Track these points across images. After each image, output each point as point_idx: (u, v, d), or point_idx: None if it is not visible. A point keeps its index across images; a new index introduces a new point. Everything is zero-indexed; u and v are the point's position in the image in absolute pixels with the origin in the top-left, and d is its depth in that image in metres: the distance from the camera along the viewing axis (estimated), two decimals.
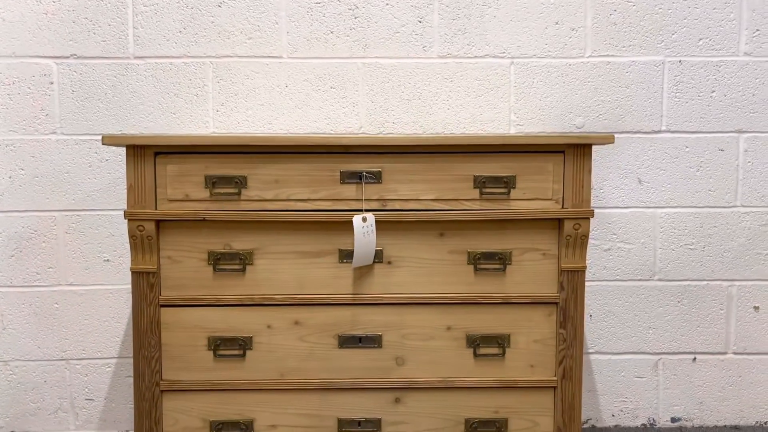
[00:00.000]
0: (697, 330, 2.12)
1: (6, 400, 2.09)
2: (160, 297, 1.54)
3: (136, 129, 2.02)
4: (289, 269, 1.54)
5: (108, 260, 2.06)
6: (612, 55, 2.04)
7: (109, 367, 2.09)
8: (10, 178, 2.04)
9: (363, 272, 1.55)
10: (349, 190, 1.51)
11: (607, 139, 1.48)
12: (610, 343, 2.12)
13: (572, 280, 1.55)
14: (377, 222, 1.51)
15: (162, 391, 1.55)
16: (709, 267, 2.10)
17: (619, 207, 2.08)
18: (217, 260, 1.53)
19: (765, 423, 2.14)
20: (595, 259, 2.09)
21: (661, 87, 2.06)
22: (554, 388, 1.57)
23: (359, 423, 1.57)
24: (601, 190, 2.08)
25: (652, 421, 2.14)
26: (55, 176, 2.04)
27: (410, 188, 1.52)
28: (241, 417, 1.56)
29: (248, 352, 1.55)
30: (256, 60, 2.03)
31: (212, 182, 1.50)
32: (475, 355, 1.56)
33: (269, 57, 2.03)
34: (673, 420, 2.14)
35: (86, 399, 2.10)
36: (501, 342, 1.56)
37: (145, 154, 1.49)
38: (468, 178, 1.52)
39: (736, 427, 2.13)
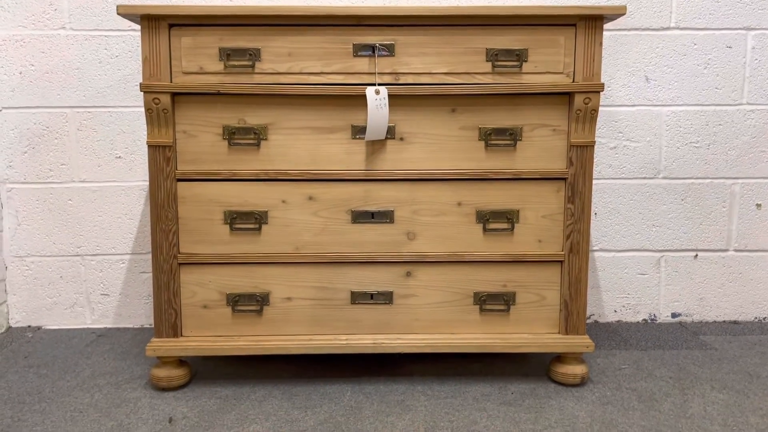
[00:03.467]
0: (700, 228, 2.16)
1: (23, 295, 2.13)
2: (177, 171, 1.56)
3: None
4: (303, 145, 1.56)
5: (120, 157, 2.08)
6: None
7: (123, 263, 2.13)
8: (20, 73, 2.04)
9: (375, 148, 1.57)
10: (362, 63, 1.53)
11: (619, 11, 1.49)
12: (614, 240, 2.16)
13: (581, 155, 1.57)
14: (390, 96, 1.53)
15: (180, 264, 1.59)
16: (713, 165, 2.13)
17: (625, 105, 2.10)
18: (231, 135, 1.55)
19: (764, 318, 2.20)
20: (600, 157, 2.11)
21: None
22: (561, 262, 1.61)
23: (371, 295, 1.61)
24: (609, 88, 2.09)
25: (653, 317, 2.20)
26: (66, 72, 2.05)
27: (423, 61, 1.53)
28: (257, 289, 1.61)
29: (263, 227, 1.59)
30: None
31: (226, 54, 1.51)
32: (485, 230, 1.60)
33: None
34: (674, 315, 2.20)
35: (101, 294, 2.15)
36: (510, 217, 1.60)
37: (160, 25, 1.50)
38: (480, 51, 1.53)
39: (734, 322, 2.19)
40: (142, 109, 2.05)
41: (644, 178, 2.13)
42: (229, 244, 1.59)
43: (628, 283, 2.18)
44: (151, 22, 1.49)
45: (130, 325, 2.16)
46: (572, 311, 1.62)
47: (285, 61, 1.52)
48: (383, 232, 1.60)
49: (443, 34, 1.52)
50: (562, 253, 1.61)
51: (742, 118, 2.11)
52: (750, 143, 2.12)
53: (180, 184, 1.57)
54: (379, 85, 1.52)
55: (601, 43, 1.53)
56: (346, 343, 1.60)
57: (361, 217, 1.59)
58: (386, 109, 1.52)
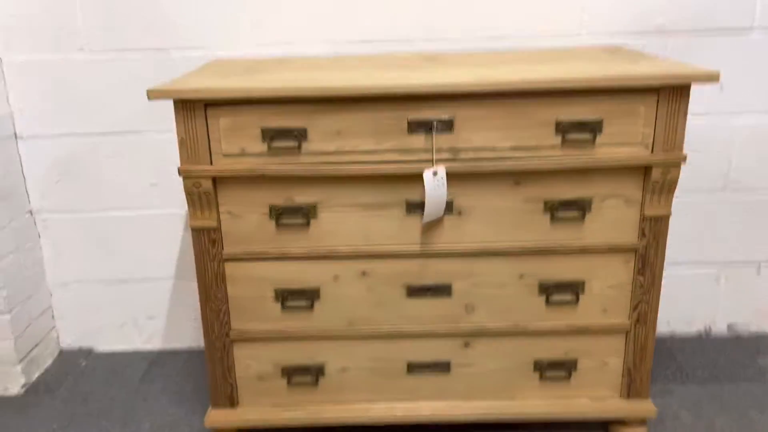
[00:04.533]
0: (764, 240, 2.04)
1: (71, 319, 2.13)
2: (223, 252, 1.48)
3: (170, 42, 1.85)
4: (354, 221, 1.46)
5: (155, 184, 1.99)
6: None
7: (167, 287, 2.10)
8: (43, 100, 1.91)
9: (431, 223, 1.46)
10: (418, 141, 1.39)
11: (712, 77, 1.31)
12: (673, 253, 2.06)
13: (655, 226, 1.46)
14: (448, 174, 1.40)
15: (232, 341, 1.55)
16: None
17: (696, 114, 1.92)
18: (279, 215, 1.45)
19: None
20: None
21: None
22: (627, 331, 1.54)
23: (428, 365, 1.57)
24: None
25: (708, 329, 2.14)
26: (90, 98, 1.91)
27: (485, 136, 1.38)
28: (311, 361, 1.57)
29: (316, 303, 1.52)
30: None
31: (270, 136, 1.38)
32: (548, 302, 1.52)
33: None
34: (729, 327, 2.14)
35: (148, 317, 2.14)
36: (575, 289, 1.51)
37: (195, 107, 1.36)
38: (549, 123, 1.37)
39: None
40: (174, 135, 1.92)
41: (711, 191, 1.99)
42: (281, 320, 1.54)
43: (683, 293, 2.11)
44: (185, 104, 1.35)
45: (179, 346, 2.16)
46: (635, 377, 1.58)
47: (334, 139, 1.39)
48: (440, 305, 1.53)
49: (507, 106, 1.36)
50: (628, 322, 1.54)
51: None
52: None
53: (228, 264, 1.49)
54: (437, 162, 1.39)
55: (686, 113, 1.36)
56: (404, 415, 1.58)
57: (417, 291, 1.52)
58: (444, 188, 1.40)
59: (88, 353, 2.15)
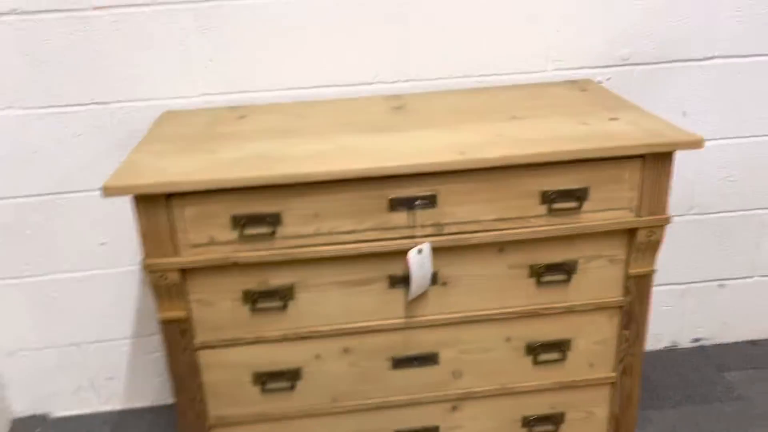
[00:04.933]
0: (727, 258, 2.08)
1: (23, 386, 1.98)
2: (195, 342, 1.38)
3: (110, 95, 1.69)
4: (335, 299, 1.39)
5: (104, 244, 1.84)
6: None
7: (125, 346, 1.98)
8: None
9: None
10: (400, 218, 1.31)
11: (696, 144, 1.28)
12: None
13: (639, 283, 1.44)
14: (432, 248, 1.33)
15: (210, 427, 1.47)
16: (748, 197, 2.01)
17: None
18: (254, 300, 1.36)
19: None
20: None
21: (720, 5, 1.78)
22: (613, 383, 1.54)
23: (417, 431, 1.53)
24: None
25: (675, 344, 2.19)
26: (23, 157, 1.73)
27: (469, 210, 1.32)
28: None
29: (297, 383, 1.45)
30: (248, 2, 1.66)
31: (241, 223, 1.28)
32: (535, 361, 1.50)
33: None
34: (695, 340, 2.19)
35: (106, 378, 2.01)
36: (562, 348, 1.49)
37: (157, 200, 1.23)
38: (534, 193, 1.32)
39: (753, 342, 2.20)
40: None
41: (677, 215, 2.00)
42: (261, 403, 1.46)
43: (653, 314, 2.13)
44: (145, 198, 1.23)
45: (142, 404, 2.05)
46: (621, 424, 1.58)
47: (311, 222, 1.30)
48: (427, 373, 1.48)
49: (491, 180, 1.30)
50: (614, 375, 1.53)
51: None
52: None
53: (201, 352, 1.40)
54: (421, 237, 1.32)
55: (670, 174, 1.33)
56: None
57: (402, 363, 1.46)
58: (430, 264, 1.34)
59: (43, 420, 2.01)
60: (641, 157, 1.31)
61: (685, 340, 2.18)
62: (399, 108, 1.60)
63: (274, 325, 1.39)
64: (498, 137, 1.35)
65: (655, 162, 1.31)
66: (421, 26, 1.71)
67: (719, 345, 2.19)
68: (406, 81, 1.77)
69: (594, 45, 1.78)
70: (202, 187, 1.22)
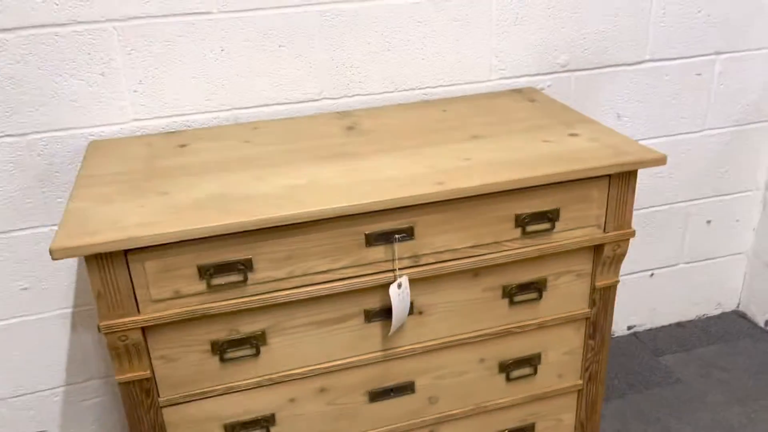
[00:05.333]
0: (656, 249, 2.18)
1: None
2: (160, 399, 1.27)
3: (25, 126, 1.51)
4: (310, 340, 1.32)
5: (26, 288, 1.66)
6: None
7: (57, 396, 1.80)
8: None
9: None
10: (377, 253, 1.26)
11: (659, 161, 1.31)
12: None
13: (605, 295, 1.47)
14: (409, 280, 1.29)
15: None
16: (675, 191, 2.11)
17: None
18: (223, 350, 1.27)
19: (702, 315, 2.36)
20: None
21: (649, 11, 1.84)
22: (579, 390, 1.57)
23: None
24: None
25: (612, 333, 2.28)
26: None
27: (445, 239, 1.29)
28: None
29: (271, 429, 1.37)
30: (177, 19, 1.52)
31: (208, 273, 1.18)
32: (508, 378, 1.50)
33: (194, 13, 1.53)
34: (629, 328, 2.30)
35: (37, 431, 1.83)
36: (533, 362, 1.50)
37: (113, 257, 1.11)
38: (509, 218, 1.31)
39: (678, 324, 2.34)
40: (44, 230, 1.60)
41: None
42: None
43: None
44: (100, 257, 1.10)
45: None
46: (587, 428, 1.63)
47: (284, 265, 1.21)
48: (404, 402, 1.45)
49: (468, 208, 1.27)
50: (581, 382, 1.57)
51: (704, 143, 2.07)
52: (707, 165, 2.11)
53: (166, 410, 1.29)
54: (400, 271, 1.28)
55: (634, 190, 1.36)
56: None
57: (379, 395, 1.42)
58: (408, 298, 1.30)
59: None
60: (608, 177, 1.33)
61: (621, 328, 2.29)
62: (351, 128, 1.53)
63: (245, 373, 1.30)
64: (467, 161, 1.32)
65: (621, 180, 1.33)
66: (363, 39, 1.65)
67: (650, 330, 2.31)
68: (352, 96, 1.70)
69: (534, 53, 1.78)
70: (167, 240, 1.10)
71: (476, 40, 1.73)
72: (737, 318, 2.36)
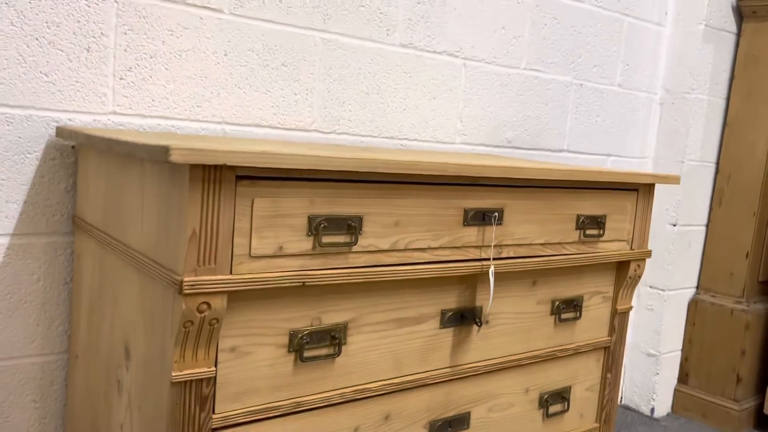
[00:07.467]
0: None
1: None
2: (213, 416, 0.91)
3: None
4: (386, 346, 1.09)
5: None
6: (539, 70, 2.01)
7: None
8: None
9: (461, 337, 1.19)
10: (470, 234, 1.14)
11: (674, 180, 1.44)
12: None
13: (622, 321, 1.49)
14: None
15: None
16: None
17: None
18: (302, 345, 0.98)
19: None
20: None
21: (567, 108, 2.12)
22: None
23: None
24: None
25: None
26: None
27: (525, 231, 1.22)
28: None
29: None
30: (186, 9, 1.35)
31: (321, 226, 0.94)
32: (546, 415, 1.38)
33: (205, 8, 1.38)
34: None
35: None
36: (565, 396, 1.41)
37: (223, 179, 0.84)
38: (571, 217, 1.30)
39: None
40: None
41: None
42: None
43: None
44: (209, 173, 0.83)
45: None
46: None
47: (390, 233, 1.03)
48: None
49: (540, 198, 1.24)
50: (597, 425, 1.49)
51: None
52: None
53: None
54: (487, 261, 1.16)
55: (652, 208, 1.46)
56: None
57: (438, 429, 1.19)
58: (492, 289, 1.17)
59: None
60: (636, 191, 1.42)
61: None
62: (367, 150, 1.44)
63: (319, 384, 1.01)
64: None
65: (645, 195, 1.43)
66: (358, 78, 1.62)
67: None
68: (341, 134, 1.61)
69: (489, 125, 1.91)
70: (287, 164, 0.88)
71: (448, 101, 1.80)
72: (624, 411, 2.49)
